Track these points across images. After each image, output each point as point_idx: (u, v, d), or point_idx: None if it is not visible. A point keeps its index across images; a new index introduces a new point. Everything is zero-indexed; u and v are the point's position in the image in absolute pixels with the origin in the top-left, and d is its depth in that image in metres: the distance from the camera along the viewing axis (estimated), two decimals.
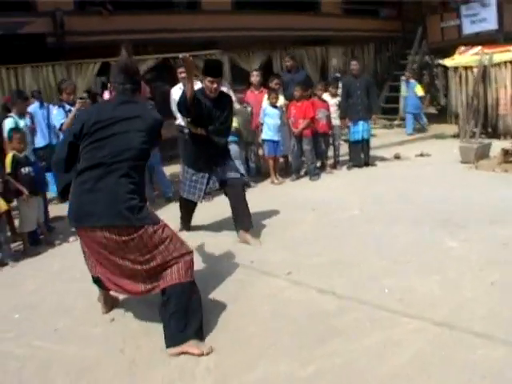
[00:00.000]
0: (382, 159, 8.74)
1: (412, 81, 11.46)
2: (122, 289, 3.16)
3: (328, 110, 8.05)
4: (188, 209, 5.31)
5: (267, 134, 7.63)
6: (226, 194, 5.03)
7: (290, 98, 7.88)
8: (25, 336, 3.38)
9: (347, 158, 8.42)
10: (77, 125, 3.11)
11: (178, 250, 3.05)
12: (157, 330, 3.12)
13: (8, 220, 5.36)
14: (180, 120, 6.87)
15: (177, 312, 2.98)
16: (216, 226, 5.47)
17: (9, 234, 5.43)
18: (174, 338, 2.97)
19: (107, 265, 3.06)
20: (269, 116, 7.61)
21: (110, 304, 3.61)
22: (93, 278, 3.37)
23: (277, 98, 7.65)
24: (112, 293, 3.55)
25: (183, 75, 4.74)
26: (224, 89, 7.49)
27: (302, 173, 7.90)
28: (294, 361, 2.76)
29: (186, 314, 3.00)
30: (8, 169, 5.30)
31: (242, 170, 7.32)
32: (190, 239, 4.96)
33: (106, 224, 2.85)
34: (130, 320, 3.47)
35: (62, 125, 5.95)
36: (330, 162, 8.37)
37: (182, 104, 4.57)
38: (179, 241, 3.11)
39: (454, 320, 3.02)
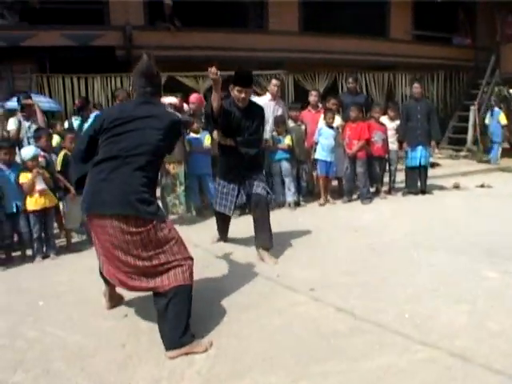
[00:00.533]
0: (441, 188, 8.35)
1: (496, 109, 10.99)
2: (123, 285, 3.16)
3: (385, 133, 7.80)
4: (223, 220, 5.26)
5: (320, 153, 7.51)
6: (251, 209, 4.91)
7: (348, 119, 7.75)
8: (41, 321, 3.51)
9: (403, 184, 8.11)
10: (98, 120, 3.22)
11: (182, 253, 3.06)
12: None
13: (56, 216, 5.59)
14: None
15: (180, 313, 2.96)
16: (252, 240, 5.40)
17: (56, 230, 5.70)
18: (175, 341, 2.92)
19: (111, 259, 3.07)
20: (324, 136, 7.49)
21: (114, 300, 3.67)
22: (100, 273, 3.40)
23: (333, 119, 7.55)
24: (118, 290, 3.59)
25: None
26: (279, 110, 7.55)
27: (355, 196, 7.69)
28: (287, 376, 2.63)
29: (187, 316, 2.99)
30: (58, 166, 5.57)
31: (293, 187, 7.28)
32: (224, 248, 5.07)
33: (116, 212, 2.89)
34: (141, 318, 3.48)
35: None
36: (385, 188, 8.09)
37: (209, 114, 4.54)
38: (183, 245, 3.12)
39: (471, 353, 2.75)
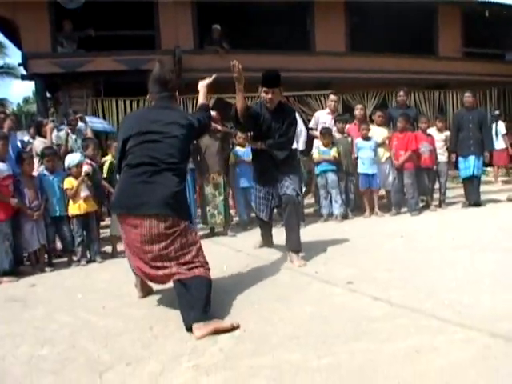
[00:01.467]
0: (495, 201, 7.96)
1: None
2: (150, 277, 3.32)
3: (432, 144, 7.59)
4: (264, 226, 5.19)
5: (361, 167, 7.40)
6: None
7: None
8: (76, 309, 3.59)
9: (455, 199, 7.81)
10: (124, 130, 3.44)
11: (204, 257, 3.24)
12: None
13: (97, 221, 5.76)
14: None
15: (200, 293, 3.00)
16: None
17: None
18: (198, 315, 2.90)
19: (138, 252, 3.21)
20: (361, 149, 7.40)
21: (145, 290, 3.75)
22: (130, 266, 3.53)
23: (368, 130, 7.43)
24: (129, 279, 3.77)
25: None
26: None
27: (404, 209, 7.43)
28: (311, 352, 2.50)
29: (208, 297, 3.03)
30: (104, 174, 5.75)
31: (339, 199, 7.14)
32: (266, 252, 5.06)
33: (156, 212, 3.07)
34: (172, 307, 3.43)
35: None
36: (436, 202, 7.80)
37: (233, 116, 4.52)
38: (203, 252, 3.28)
39: None
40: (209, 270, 3.22)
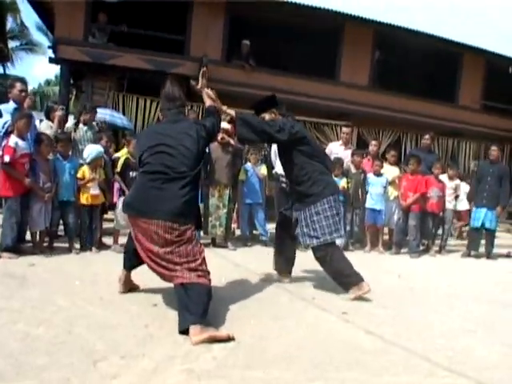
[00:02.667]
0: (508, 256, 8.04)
1: None
2: (151, 268, 3.40)
3: (442, 190, 7.67)
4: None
5: (369, 202, 7.47)
6: None
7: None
8: (73, 295, 3.64)
9: (454, 247, 7.88)
10: (140, 147, 3.62)
11: (206, 266, 3.32)
12: None
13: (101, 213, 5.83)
14: (277, 168, 6.87)
15: (200, 298, 3.07)
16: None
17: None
18: (196, 318, 2.96)
19: (144, 250, 3.34)
20: (372, 184, 7.48)
21: (128, 286, 3.84)
22: (124, 258, 3.77)
23: (381, 167, 7.53)
24: (133, 278, 3.87)
25: None
26: (349, 156, 7.57)
27: (404, 250, 7.47)
28: (302, 374, 2.53)
29: (207, 303, 3.11)
30: (118, 168, 5.81)
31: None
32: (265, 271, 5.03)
33: (166, 219, 3.20)
34: (170, 308, 3.47)
35: None
36: (436, 248, 7.86)
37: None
38: (206, 262, 3.36)
39: None
40: (210, 280, 3.28)
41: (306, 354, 2.83)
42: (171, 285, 3.29)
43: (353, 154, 7.72)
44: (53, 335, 2.79)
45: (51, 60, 10.00)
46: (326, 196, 4.27)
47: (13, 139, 4.95)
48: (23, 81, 5.55)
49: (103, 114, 8.18)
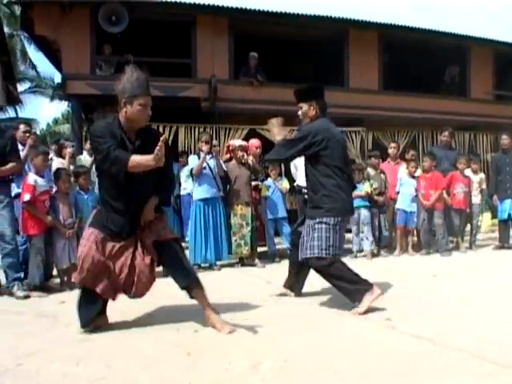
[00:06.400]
0: None
1: None
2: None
3: (468, 186, 7.51)
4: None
5: (401, 203, 7.36)
6: None
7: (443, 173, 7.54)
8: (109, 329, 3.54)
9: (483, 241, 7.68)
10: None
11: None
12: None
13: None
14: (298, 181, 6.67)
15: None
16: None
17: None
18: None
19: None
20: (405, 185, 7.37)
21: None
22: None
23: (416, 168, 7.42)
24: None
25: None
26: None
27: (435, 250, 7.26)
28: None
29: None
30: None
31: (371, 236, 7.03)
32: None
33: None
34: (204, 335, 3.36)
35: (192, 169, 6.41)
36: (467, 244, 7.67)
37: None
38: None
39: None
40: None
41: (354, 365, 2.69)
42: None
43: (369, 157, 7.64)
44: (92, 372, 2.68)
45: (60, 97, 10.08)
46: (333, 216, 3.97)
47: (31, 177, 4.94)
48: (27, 123, 6.13)
49: None
